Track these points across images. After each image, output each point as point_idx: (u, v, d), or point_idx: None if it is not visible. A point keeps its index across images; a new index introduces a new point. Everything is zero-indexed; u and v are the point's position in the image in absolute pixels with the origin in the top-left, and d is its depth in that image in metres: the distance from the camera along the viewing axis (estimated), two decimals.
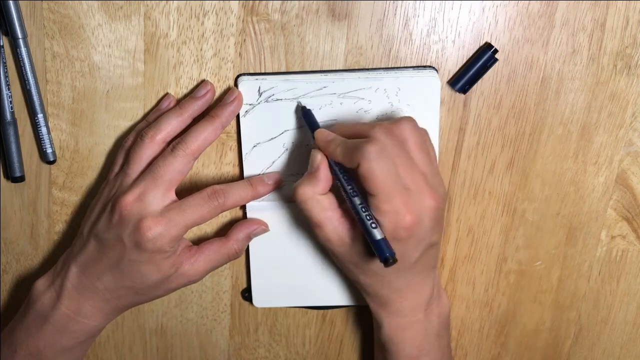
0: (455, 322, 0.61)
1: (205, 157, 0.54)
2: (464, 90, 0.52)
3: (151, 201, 0.48)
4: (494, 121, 0.54)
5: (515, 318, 0.60)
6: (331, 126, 0.52)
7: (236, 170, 0.54)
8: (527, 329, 0.61)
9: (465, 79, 0.51)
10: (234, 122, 0.53)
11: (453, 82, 0.52)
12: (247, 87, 0.51)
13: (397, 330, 0.52)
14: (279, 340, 0.61)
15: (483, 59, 0.51)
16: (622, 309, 0.60)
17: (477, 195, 0.56)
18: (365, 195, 0.46)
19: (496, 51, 0.51)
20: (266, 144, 0.52)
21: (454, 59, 0.52)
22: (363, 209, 0.46)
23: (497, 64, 0.51)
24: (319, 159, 0.48)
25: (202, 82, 0.51)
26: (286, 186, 0.54)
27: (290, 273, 0.57)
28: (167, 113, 0.50)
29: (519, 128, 0.54)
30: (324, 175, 0.48)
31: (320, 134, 0.49)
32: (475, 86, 0.52)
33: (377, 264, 0.47)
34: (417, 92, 0.51)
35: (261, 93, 0.51)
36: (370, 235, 0.45)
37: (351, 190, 0.47)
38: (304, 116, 0.51)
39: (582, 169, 0.55)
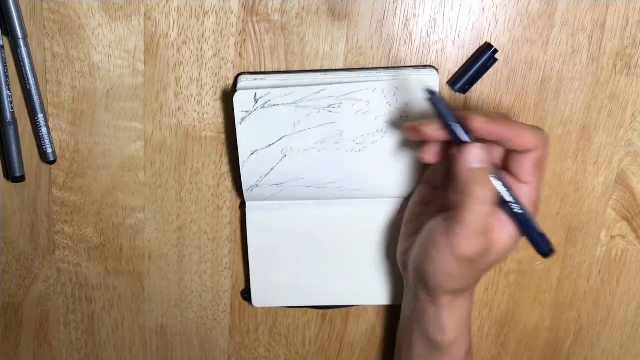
0: None
1: (205, 157, 0.54)
2: (463, 90, 0.52)
3: None
4: None
5: (515, 318, 0.60)
6: (330, 131, 0.52)
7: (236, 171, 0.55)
8: (527, 328, 0.61)
9: (465, 79, 0.51)
10: (231, 129, 0.53)
11: (453, 82, 0.52)
12: (243, 96, 0.50)
13: (463, 317, 0.52)
14: (279, 340, 0.61)
15: (483, 59, 0.51)
16: (622, 309, 0.60)
17: None
18: (515, 181, 0.46)
19: (496, 51, 0.51)
20: (264, 150, 0.52)
21: (454, 59, 0.52)
22: (517, 201, 0.46)
23: (497, 64, 0.51)
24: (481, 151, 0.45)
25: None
26: (287, 190, 0.54)
27: (289, 273, 0.57)
28: None
29: None
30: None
31: (476, 117, 0.45)
32: (475, 86, 0.52)
33: (499, 250, 0.46)
34: (414, 91, 0.51)
35: (257, 99, 0.50)
36: (535, 228, 0.46)
37: (504, 184, 0.46)
38: (433, 103, 0.46)
39: (582, 169, 0.55)
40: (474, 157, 0.44)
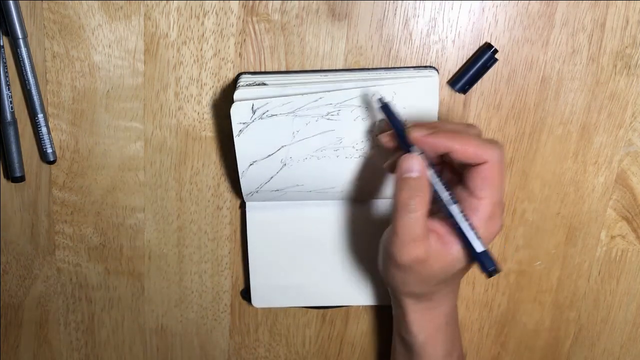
0: None
1: (205, 157, 0.54)
2: (463, 90, 0.52)
3: None
4: (494, 121, 0.54)
5: (515, 318, 0.60)
6: (330, 139, 0.51)
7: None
8: (527, 329, 0.61)
9: (465, 79, 0.51)
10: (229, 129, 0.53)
11: (453, 82, 0.52)
12: (241, 109, 0.49)
13: (440, 326, 0.51)
14: (279, 340, 0.61)
15: (483, 59, 0.51)
16: (622, 309, 0.60)
17: None
18: (466, 196, 0.45)
19: (496, 51, 0.51)
20: (263, 161, 0.51)
21: (454, 59, 0.52)
22: (463, 218, 0.44)
23: (497, 64, 0.51)
24: (418, 164, 0.45)
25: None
26: (287, 193, 0.54)
27: (289, 273, 0.57)
28: None
29: (518, 128, 0.54)
30: (425, 184, 0.45)
31: (417, 128, 0.45)
32: (475, 86, 0.52)
33: (458, 261, 0.46)
34: (413, 94, 0.50)
35: (255, 110, 0.49)
36: (474, 246, 0.44)
37: (451, 197, 0.45)
38: (384, 111, 0.47)
39: (582, 169, 0.55)
40: (407, 166, 0.45)
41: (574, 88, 0.53)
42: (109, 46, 0.51)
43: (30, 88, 0.51)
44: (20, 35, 0.50)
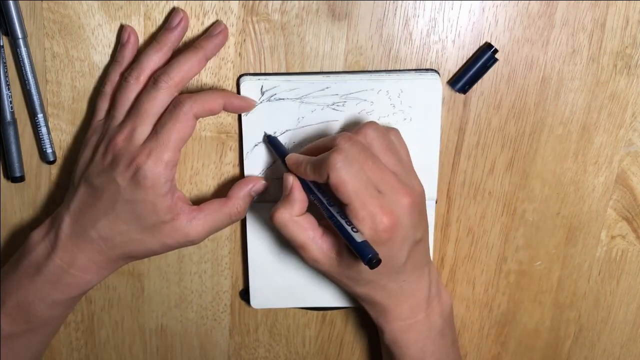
0: (455, 322, 0.60)
1: (205, 157, 0.54)
2: (464, 90, 0.52)
3: (140, 136, 0.48)
4: (494, 121, 0.54)
5: (515, 318, 0.60)
6: (333, 129, 0.52)
7: (236, 170, 0.55)
8: (527, 329, 0.61)
9: (465, 79, 0.51)
10: (235, 122, 0.53)
11: (453, 82, 0.52)
12: (250, 86, 0.51)
13: (400, 334, 0.52)
14: (279, 340, 0.61)
15: (483, 59, 0.51)
16: (622, 309, 0.60)
17: (477, 195, 0.56)
18: (342, 207, 0.46)
19: (496, 51, 0.51)
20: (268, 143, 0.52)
21: (454, 59, 0.52)
22: (340, 216, 0.46)
23: (497, 64, 0.51)
24: (290, 180, 0.49)
25: (174, 11, 0.49)
26: None
27: (288, 274, 0.57)
28: (146, 50, 0.49)
29: (519, 128, 0.54)
30: (298, 196, 0.48)
31: (290, 158, 0.49)
32: (475, 86, 0.52)
33: (370, 272, 0.47)
34: (418, 95, 0.51)
35: (264, 92, 0.51)
36: (350, 240, 0.45)
37: (327, 201, 0.47)
38: (270, 144, 0.52)
39: (582, 169, 0.55)
40: (284, 185, 0.49)
41: (574, 88, 0.53)
42: (109, 46, 0.51)
43: (30, 88, 0.51)
44: (20, 35, 0.50)
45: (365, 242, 0.44)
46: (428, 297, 0.52)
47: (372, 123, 0.48)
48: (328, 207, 0.47)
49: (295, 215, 0.48)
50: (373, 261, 0.43)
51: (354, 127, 0.50)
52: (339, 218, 0.46)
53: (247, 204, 0.52)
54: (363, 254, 0.44)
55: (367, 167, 0.46)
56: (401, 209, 0.46)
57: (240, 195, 0.52)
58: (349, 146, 0.46)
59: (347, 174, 0.45)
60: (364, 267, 0.46)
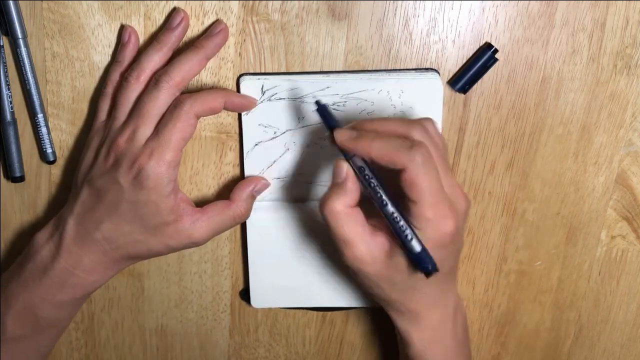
0: None
1: (205, 157, 0.54)
2: (464, 90, 0.52)
3: (142, 137, 0.48)
4: (494, 121, 0.54)
5: (515, 318, 0.60)
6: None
7: (236, 170, 0.55)
8: (527, 329, 0.61)
9: (465, 79, 0.51)
10: (235, 122, 0.53)
11: (453, 82, 0.52)
12: (250, 86, 0.51)
13: (430, 345, 0.50)
14: (279, 340, 0.61)
15: (483, 59, 0.51)
16: (622, 309, 0.60)
17: (477, 195, 0.56)
18: (405, 201, 0.44)
19: (496, 51, 0.51)
20: (268, 143, 0.52)
21: (454, 59, 0.52)
22: (398, 219, 0.43)
23: (497, 64, 0.51)
24: (345, 167, 0.45)
25: (174, 11, 0.49)
26: (287, 186, 0.54)
27: (288, 274, 0.57)
28: (147, 50, 0.49)
29: (519, 128, 0.54)
30: (353, 186, 0.45)
31: (341, 133, 0.45)
32: (475, 86, 0.52)
33: (416, 278, 0.45)
34: (419, 95, 0.51)
35: (264, 92, 0.51)
36: (410, 247, 0.43)
37: (385, 198, 0.44)
38: (320, 113, 0.47)
39: (582, 169, 0.55)
40: (334, 171, 0.45)
41: (574, 88, 0.53)
42: (109, 46, 0.51)
43: (30, 88, 0.51)
44: (20, 35, 0.50)
45: (424, 250, 0.42)
46: (455, 306, 0.51)
47: (430, 119, 0.47)
48: (385, 205, 0.43)
49: (348, 206, 0.45)
50: (431, 272, 0.42)
51: (406, 115, 0.50)
52: (397, 220, 0.43)
53: (250, 205, 0.52)
54: (422, 262, 0.42)
55: (440, 166, 0.44)
56: (461, 214, 0.46)
57: (243, 197, 0.52)
58: (427, 140, 0.44)
59: (426, 173, 0.43)
60: (415, 274, 0.44)
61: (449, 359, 0.51)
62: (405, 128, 0.45)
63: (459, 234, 0.46)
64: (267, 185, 0.53)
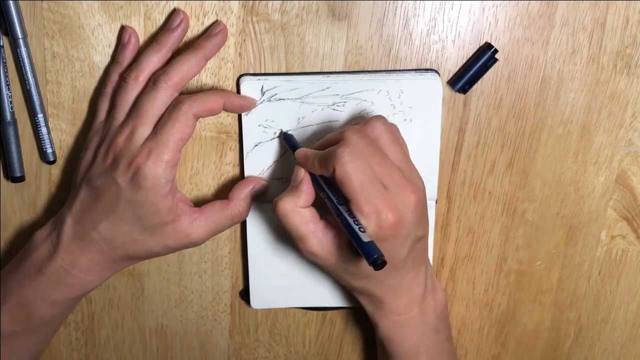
0: (455, 322, 0.61)
1: (205, 157, 0.54)
2: (464, 90, 0.52)
3: (140, 137, 0.48)
4: (494, 121, 0.54)
5: (515, 318, 0.60)
6: (333, 129, 0.52)
7: (236, 170, 0.55)
8: (527, 329, 0.61)
9: (465, 79, 0.51)
10: (235, 122, 0.53)
11: (453, 82, 0.52)
12: (250, 86, 0.51)
13: (394, 329, 0.52)
14: (279, 340, 0.61)
15: (483, 59, 0.51)
16: (622, 309, 0.60)
17: (477, 195, 0.56)
18: (347, 202, 0.46)
19: (496, 51, 0.51)
20: (268, 143, 0.52)
21: (454, 59, 0.52)
22: (347, 214, 0.45)
23: (497, 64, 0.51)
24: (301, 173, 0.48)
25: (174, 12, 0.49)
26: (287, 186, 0.54)
27: (288, 274, 0.57)
28: (146, 51, 0.49)
29: (519, 128, 0.54)
30: (306, 188, 0.48)
31: (299, 152, 0.49)
32: (475, 86, 0.52)
33: (368, 267, 0.47)
34: (419, 95, 0.51)
35: (264, 92, 0.51)
36: (356, 239, 0.44)
37: (336, 199, 0.46)
38: (285, 140, 0.51)
39: (582, 169, 0.55)
40: (293, 176, 0.49)
41: (574, 88, 0.53)
42: (109, 46, 0.51)
43: (30, 88, 0.51)
44: (20, 35, 0.50)
45: (371, 243, 0.44)
46: (423, 293, 0.52)
47: (379, 117, 0.48)
48: (336, 205, 0.46)
49: (299, 206, 0.47)
50: (378, 262, 0.43)
51: (360, 120, 0.50)
52: (347, 216, 0.45)
53: (248, 205, 0.52)
54: (369, 254, 0.43)
55: (374, 161, 0.45)
56: (406, 206, 0.46)
57: (242, 197, 0.52)
58: (356, 139, 0.45)
59: (353, 168, 0.44)
60: (364, 264, 0.46)
61: (416, 345, 0.52)
62: (340, 134, 0.47)
63: (406, 226, 0.46)
64: (266, 186, 0.53)
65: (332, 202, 0.46)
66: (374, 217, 0.45)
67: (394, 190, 0.46)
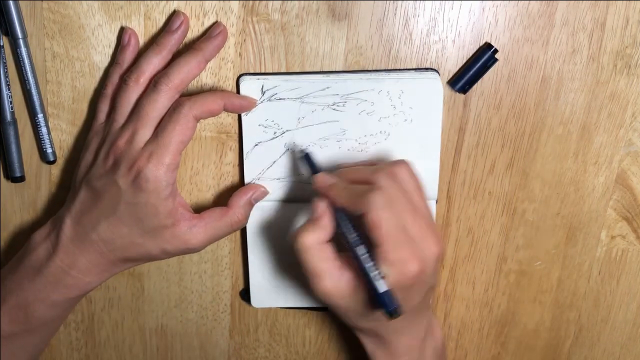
0: (455, 323, 0.61)
1: (205, 157, 0.54)
2: (464, 90, 0.52)
3: (141, 140, 0.48)
4: (494, 121, 0.54)
5: (515, 318, 0.60)
6: (333, 129, 0.52)
7: (236, 171, 0.55)
8: (527, 329, 0.61)
9: (465, 79, 0.51)
10: (235, 122, 0.53)
11: (453, 82, 0.52)
12: (250, 86, 0.51)
13: None
14: (279, 340, 0.61)
15: (483, 59, 0.51)
16: (622, 309, 0.60)
17: (477, 195, 0.56)
18: (367, 242, 0.45)
19: (496, 51, 0.51)
20: (267, 143, 0.52)
21: (454, 59, 0.52)
22: (367, 259, 0.45)
23: (497, 64, 0.51)
24: (323, 206, 0.47)
25: (175, 14, 0.49)
26: (287, 186, 0.54)
27: (288, 274, 0.57)
28: (146, 52, 0.49)
29: (519, 128, 0.54)
30: (328, 223, 0.47)
31: (319, 178, 0.49)
32: (475, 86, 0.52)
33: (379, 313, 0.46)
34: (419, 95, 0.51)
35: (264, 92, 0.51)
36: (374, 287, 0.44)
37: (356, 239, 0.46)
38: (306, 160, 0.51)
39: (582, 169, 0.55)
40: (312, 208, 0.48)
41: (574, 88, 0.53)
42: (109, 46, 0.51)
43: (30, 88, 0.51)
44: (20, 35, 0.50)
45: (388, 292, 0.44)
46: (424, 335, 0.52)
47: (404, 162, 0.48)
48: (355, 246, 0.45)
49: (320, 242, 0.47)
50: (394, 314, 0.43)
51: (381, 159, 0.51)
52: (365, 261, 0.45)
53: (247, 212, 0.52)
54: (386, 304, 0.43)
55: (404, 209, 0.46)
56: (429, 257, 0.46)
57: (241, 204, 0.52)
58: (389, 185, 0.46)
59: (386, 216, 0.44)
60: (377, 310, 0.46)
61: None
62: (371, 174, 0.47)
63: (426, 276, 0.46)
64: (265, 193, 0.53)
65: (352, 241, 0.46)
66: (398, 265, 0.45)
67: (419, 240, 0.46)
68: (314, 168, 0.50)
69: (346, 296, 0.47)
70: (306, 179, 0.53)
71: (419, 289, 0.47)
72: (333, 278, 0.46)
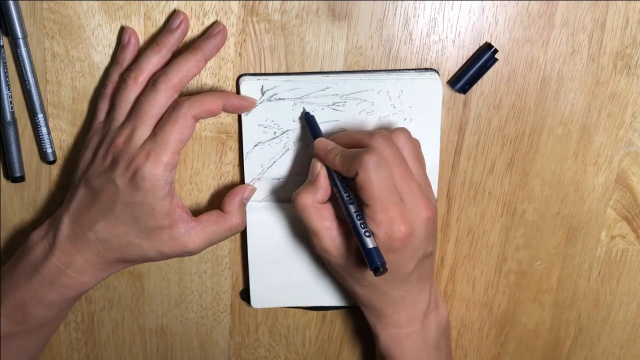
0: (455, 322, 0.61)
1: (205, 157, 0.54)
2: (464, 90, 0.52)
3: (139, 138, 0.48)
4: (494, 121, 0.54)
5: (515, 318, 0.61)
6: (333, 129, 0.52)
7: (236, 170, 0.55)
8: (527, 329, 0.61)
9: (465, 79, 0.51)
10: (235, 122, 0.53)
11: (453, 82, 0.52)
12: (250, 86, 0.51)
13: (394, 342, 0.52)
14: (279, 340, 0.61)
15: (483, 59, 0.51)
16: (622, 309, 0.60)
17: (477, 195, 0.56)
18: (362, 206, 0.46)
19: (496, 51, 0.51)
20: (267, 143, 0.52)
21: (454, 59, 0.52)
22: (357, 217, 0.46)
23: (497, 64, 0.51)
24: (318, 167, 0.49)
25: (175, 13, 0.49)
26: (287, 186, 0.54)
27: (288, 274, 0.57)
28: (146, 52, 0.49)
29: (519, 128, 0.54)
30: (323, 184, 0.48)
31: (319, 142, 0.49)
32: (475, 86, 0.52)
33: (371, 274, 0.47)
34: (419, 94, 0.51)
35: (264, 92, 0.51)
36: (362, 243, 0.45)
37: (347, 198, 0.47)
38: (307, 122, 0.51)
39: (582, 169, 0.55)
40: (310, 170, 0.50)
41: (574, 88, 0.53)
42: (109, 46, 0.51)
43: (30, 88, 0.51)
44: (20, 35, 0.50)
45: (375, 249, 0.45)
46: (426, 310, 0.52)
47: (404, 129, 0.49)
48: (347, 204, 0.47)
49: (317, 202, 0.48)
50: (379, 269, 0.44)
51: (386, 126, 0.51)
52: (355, 218, 0.46)
53: (243, 214, 0.53)
54: (371, 260, 0.44)
55: (397, 171, 0.46)
56: (419, 221, 0.47)
57: (235, 207, 0.52)
58: (383, 147, 0.46)
59: (376, 176, 0.45)
60: (368, 271, 0.46)
61: (417, 358, 0.52)
62: (367, 137, 0.47)
63: (415, 240, 0.47)
64: (253, 190, 0.54)
65: (344, 200, 0.47)
66: (386, 226, 0.45)
67: (409, 203, 0.46)
68: (314, 132, 0.51)
69: (343, 254, 0.48)
70: (306, 177, 0.53)
71: (409, 253, 0.47)
72: (331, 236, 0.48)
